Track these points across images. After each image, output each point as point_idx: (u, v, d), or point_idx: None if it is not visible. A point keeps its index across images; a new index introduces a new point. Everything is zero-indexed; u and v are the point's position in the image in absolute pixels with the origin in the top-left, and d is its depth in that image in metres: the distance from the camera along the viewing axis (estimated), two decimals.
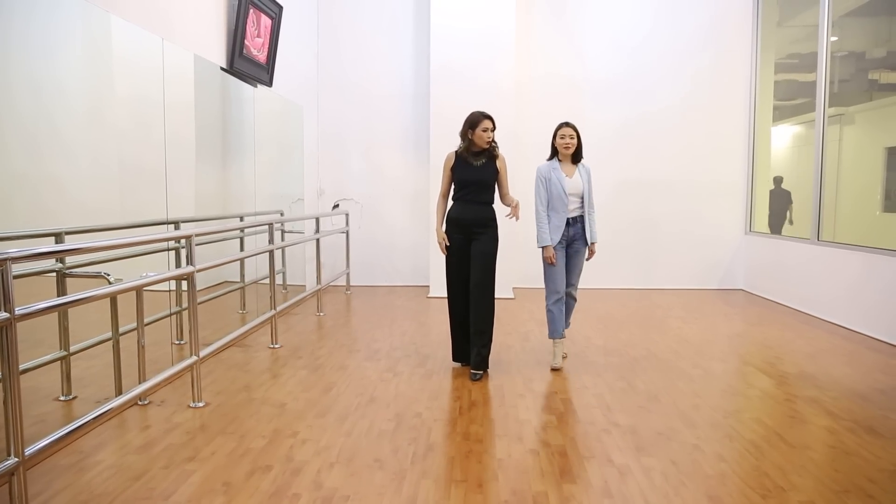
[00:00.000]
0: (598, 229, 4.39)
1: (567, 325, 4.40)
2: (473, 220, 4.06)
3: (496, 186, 4.15)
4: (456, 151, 4.11)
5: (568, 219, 4.17)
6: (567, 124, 4.19)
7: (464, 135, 4.06)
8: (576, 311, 4.80)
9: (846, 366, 4.32)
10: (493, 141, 4.07)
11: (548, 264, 4.18)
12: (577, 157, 4.21)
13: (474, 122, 4.01)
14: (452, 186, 4.15)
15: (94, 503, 2.41)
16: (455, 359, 4.27)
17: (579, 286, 4.39)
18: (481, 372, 4.03)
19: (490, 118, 4.04)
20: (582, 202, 4.19)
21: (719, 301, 6.79)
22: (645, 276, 7.54)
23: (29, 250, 2.30)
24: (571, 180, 4.16)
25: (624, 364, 4.33)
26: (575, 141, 4.16)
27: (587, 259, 4.29)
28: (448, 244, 4.10)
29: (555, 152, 4.22)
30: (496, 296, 4.09)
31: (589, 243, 4.24)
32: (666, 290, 7.39)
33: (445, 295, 4.29)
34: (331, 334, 5.22)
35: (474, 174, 4.05)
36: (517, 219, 4.10)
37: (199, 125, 4.73)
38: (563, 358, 4.39)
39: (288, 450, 2.89)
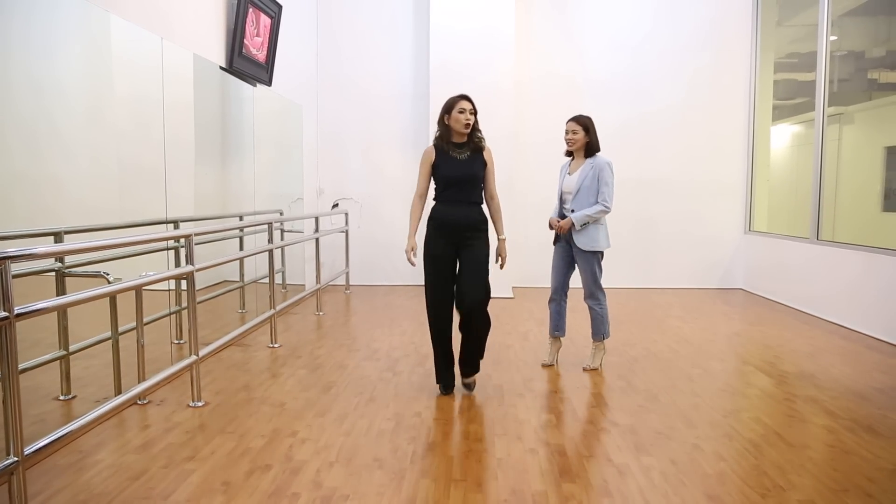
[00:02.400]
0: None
1: (598, 335, 4.17)
2: (463, 224, 3.49)
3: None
4: (434, 144, 3.56)
5: (564, 216, 4.10)
6: (573, 118, 4.05)
7: (440, 121, 3.52)
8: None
9: (845, 365, 4.32)
10: (477, 130, 3.54)
11: None
12: (589, 151, 4.03)
13: (450, 105, 3.47)
14: (434, 186, 3.62)
15: (94, 502, 2.41)
16: (443, 382, 3.68)
17: (600, 292, 4.13)
18: (474, 380, 3.69)
19: (468, 98, 3.49)
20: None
21: (719, 300, 6.79)
22: (644, 276, 7.54)
23: (28, 249, 2.30)
24: (570, 178, 4.08)
25: (623, 363, 4.33)
26: (577, 136, 3.99)
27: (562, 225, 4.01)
28: (432, 254, 3.51)
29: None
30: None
31: (573, 222, 3.95)
32: (665, 290, 7.39)
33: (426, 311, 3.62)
34: (330, 334, 5.22)
35: (459, 169, 3.48)
36: (502, 264, 3.67)
37: (198, 124, 4.73)
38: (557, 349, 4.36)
39: (287, 449, 2.89)
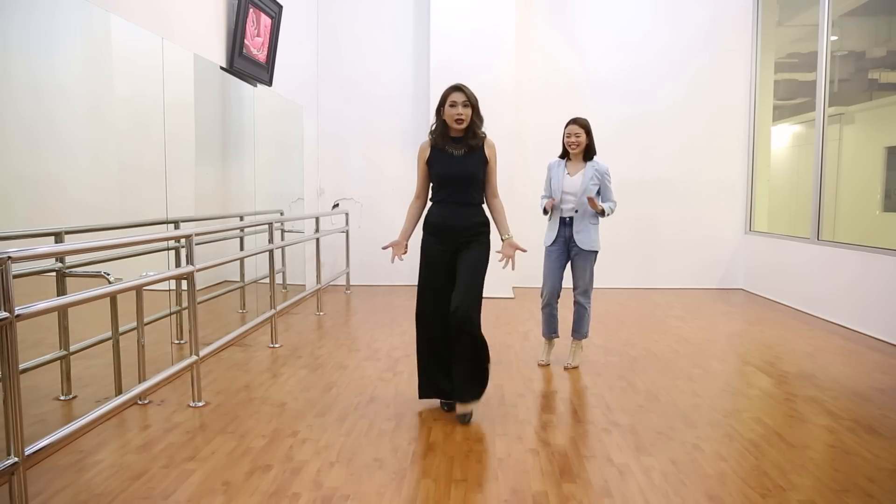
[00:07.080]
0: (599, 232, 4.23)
1: (581, 334, 4.23)
2: (460, 227, 3.21)
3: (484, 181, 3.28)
4: (429, 139, 3.26)
5: (564, 218, 4.12)
6: (574, 121, 4.10)
7: (437, 113, 3.21)
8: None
9: (846, 365, 4.32)
10: (476, 124, 3.18)
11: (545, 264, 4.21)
12: (587, 155, 4.12)
13: (443, 97, 3.15)
14: (430, 185, 3.34)
15: (94, 503, 2.41)
16: (428, 394, 3.40)
17: (592, 291, 4.23)
18: (470, 411, 3.22)
19: (460, 89, 3.13)
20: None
21: (719, 300, 6.79)
22: (645, 276, 7.54)
23: (29, 249, 2.30)
24: (572, 179, 4.10)
25: (623, 363, 4.33)
26: (582, 139, 4.05)
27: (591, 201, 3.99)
28: (427, 261, 3.26)
29: (566, 150, 4.16)
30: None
31: (604, 208, 4.04)
32: (666, 290, 7.39)
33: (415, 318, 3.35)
34: (330, 334, 5.22)
35: (454, 167, 3.17)
36: (507, 265, 3.38)
37: (198, 124, 4.73)
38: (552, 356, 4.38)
39: (288, 449, 2.89)
